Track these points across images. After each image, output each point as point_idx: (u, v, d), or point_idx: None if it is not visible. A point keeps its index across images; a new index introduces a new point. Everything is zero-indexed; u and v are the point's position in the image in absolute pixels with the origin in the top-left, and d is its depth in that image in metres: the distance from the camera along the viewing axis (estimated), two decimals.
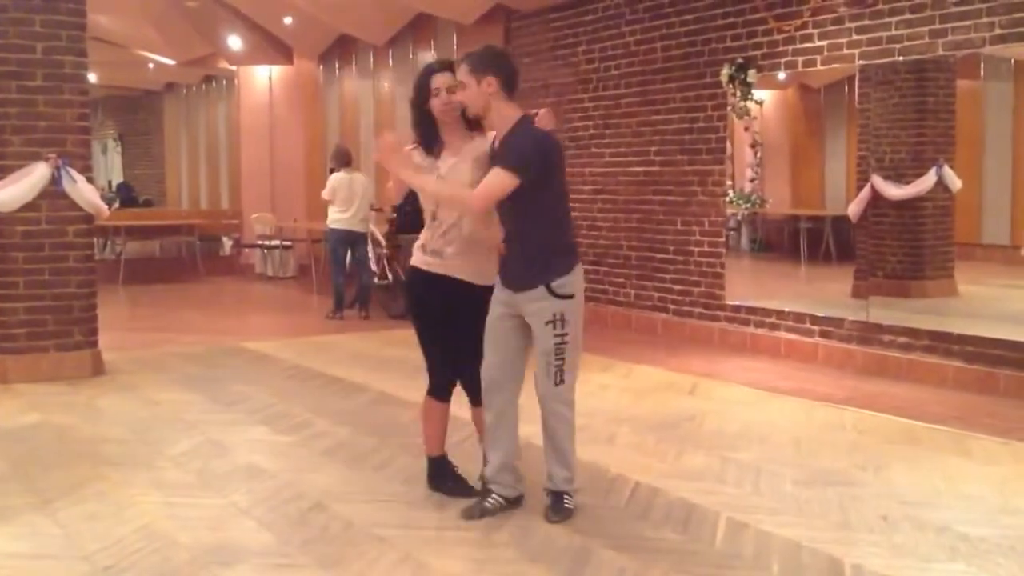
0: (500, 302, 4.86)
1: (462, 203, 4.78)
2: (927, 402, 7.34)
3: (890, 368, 8.24)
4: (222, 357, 9.20)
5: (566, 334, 4.74)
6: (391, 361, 8.70)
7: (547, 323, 4.73)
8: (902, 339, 8.28)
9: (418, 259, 4.97)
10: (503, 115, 4.77)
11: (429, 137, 4.94)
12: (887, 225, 9.07)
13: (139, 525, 4.77)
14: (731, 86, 9.48)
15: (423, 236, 4.97)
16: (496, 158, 4.74)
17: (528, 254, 4.76)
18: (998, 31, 7.51)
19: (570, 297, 4.76)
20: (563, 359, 4.76)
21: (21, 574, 4.27)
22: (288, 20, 15.15)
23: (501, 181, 4.60)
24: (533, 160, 4.66)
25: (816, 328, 8.94)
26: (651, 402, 7.42)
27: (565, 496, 4.90)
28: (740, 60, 9.38)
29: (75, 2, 8.08)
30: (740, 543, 4.56)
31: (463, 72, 4.73)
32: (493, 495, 4.93)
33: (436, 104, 4.87)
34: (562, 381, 4.79)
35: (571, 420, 4.88)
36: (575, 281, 4.80)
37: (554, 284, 4.73)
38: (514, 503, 4.97)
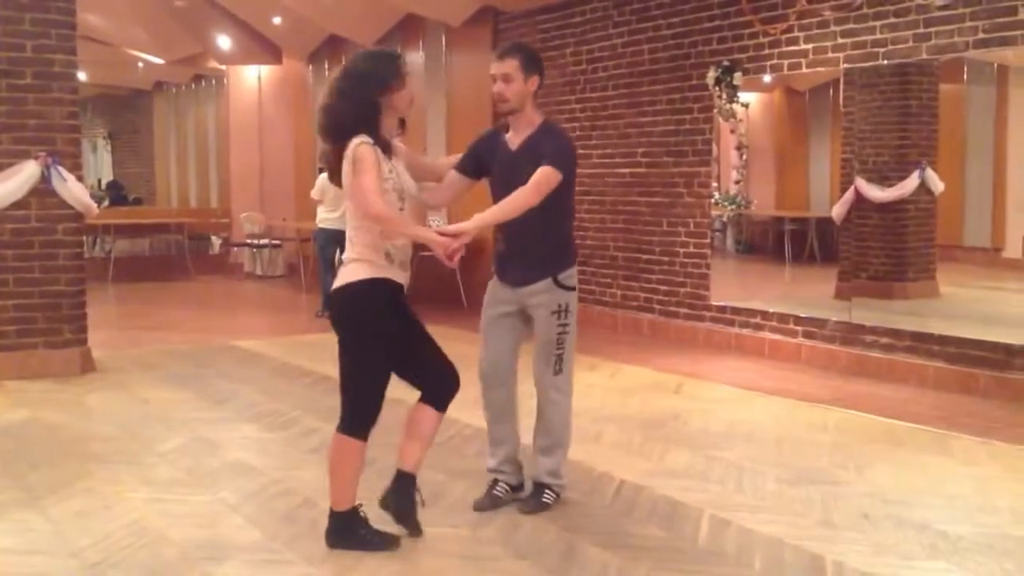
0: (499, 301, 4.95)
1: (524, 205, 4.66)
2: (909, 402, 7.40)
3: (872, 368, 8.30)
4: (211, 355, 9.22)
5: (567, 324, 4.88)
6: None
7: (552, 313, 4.84)
8: (884, 340, 8.34)
9: (383, 271, 4.42)
10: (530, 117, 4.86)
11: (377, 134, 4.43)
12: (870, 227, 9.14)
13: (128, 521, 4.80)
14: (717, 89, 9.52)
15: (381, 246, 4.39)
16: (536, 156, 4.73)
17: (539, 248, 4.86)
18: (981, 35, 7.58)
19: (573, 288, 4.91)
20: (563, 348, 4.88)
21: (11, 570, 4.29)
22: (277, 20, 15.16)
23: (551, 178, 4.68)
24: (572, 159, 4.86)
25: (800, 329, 9.01)
26: (637, 401, 7.47)
27: (547, 490, 4.97)
28: (726, 63, 9.43)
29: (65, 1, 8.10)
30: (723, 540, 4.61)
31: (512, 66, 4.78)
32: (499, 484, 5.04)
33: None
34: (560, 370, 4.91)
35: (568, 408, 5.00)
36: (576, 273, 4.99)
37: (561, 276, 4.86)
38: (518, 490, 5.08)
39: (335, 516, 4.49)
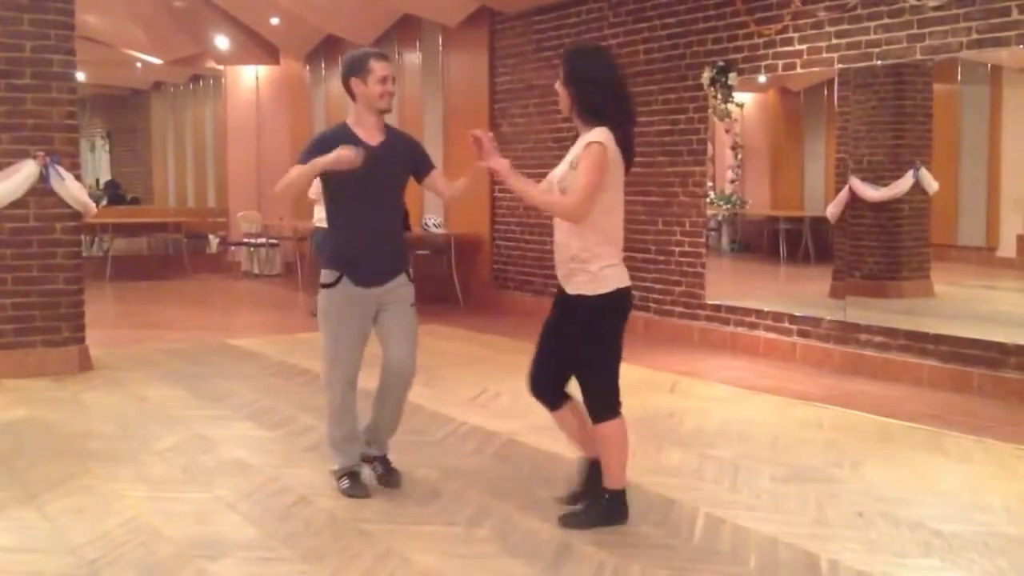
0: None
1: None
2: (903, 400, 7.42)
3: (867, 367, 8.33)
4: (208, 354, 9.24)
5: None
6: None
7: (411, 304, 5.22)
8: (879, 339, 8.37)
9: (623, 277, 4.71)
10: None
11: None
12: (865, 226, 9.17)
13: (125, 519, 4.81)
14: (712, 89, 9.54)
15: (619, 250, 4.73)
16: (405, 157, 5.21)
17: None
18: (975, 36, 7.60)
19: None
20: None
21: (8, 567, 4.30)
22: (275, 20, 15.17)
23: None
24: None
25: (794, 327, 9.03)
26: (631, 399, 7.37)
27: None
28: (721, 63, 9.45)
29: (63, 1, 8.11)
30: (718, 538, 4.62)
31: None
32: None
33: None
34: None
35: None
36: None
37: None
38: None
39: (620, 495, 4.77)
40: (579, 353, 4.72)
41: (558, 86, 4.74)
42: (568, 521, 4.74)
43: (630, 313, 4.79)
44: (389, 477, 5.28)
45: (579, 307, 4.65)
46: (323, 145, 4.97)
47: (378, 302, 5.08)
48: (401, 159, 5.16)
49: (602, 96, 4.61)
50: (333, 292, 5.05)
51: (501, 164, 4.72)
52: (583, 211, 4.54)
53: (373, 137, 5.06)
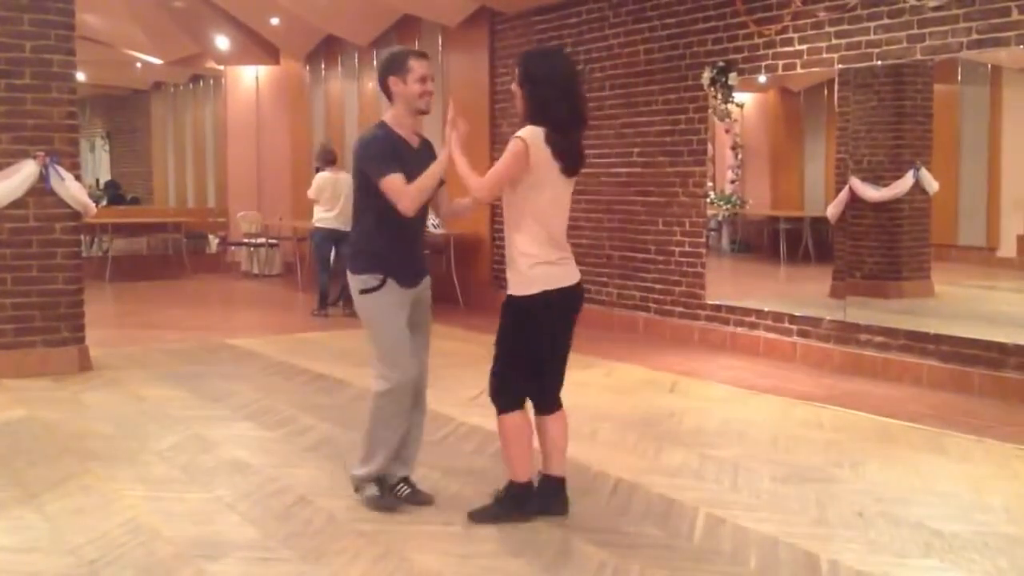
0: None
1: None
2: (903, 400, 7.42)
3: (867, 367, 8.33)
4: (208, 353, 9.25)
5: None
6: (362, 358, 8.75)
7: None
8: (879, 339, 8.37)
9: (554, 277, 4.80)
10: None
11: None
12: (865, 226, 9.17)
13: (125, 519, 4.82)
14: (712, 89, 9.55)
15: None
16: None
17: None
18: (975, 36, 7.61)
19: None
20: None
21: (8, 567, 4.30)
22: (275, 21, 15.17)
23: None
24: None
25: (794, 327, 9.03)
26: (632, 400, 7.49)
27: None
28: (721, 63, 9.46)
29: (63, 1, 8.12)
30: (718, 538, 4.62)
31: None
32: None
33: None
34: None
35: None
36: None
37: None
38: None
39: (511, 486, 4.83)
40: (507, 350, 4.82)
41: (513, 87, 4.77)
42: (475, 514, 4.83)
43: (574, 311, 4.89)
44: (417, 496, 5.08)
45: (508, 306, 4.78)
46: (393, 150, 4.87)
47: (413, 303, 5.03)
48: (430, 163, 5.10)
49: (552, 97, 4.61)
50: (380, 295, 4.89)
51: (462, 130, 4.85)
52: (484, 193, 4.73)
53: (413, 139, 4.99)
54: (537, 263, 4.68)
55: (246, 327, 11.18)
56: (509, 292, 4.75)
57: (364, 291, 4.91)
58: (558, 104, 4.60)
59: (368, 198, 4.89)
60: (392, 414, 4.94)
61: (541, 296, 4.68)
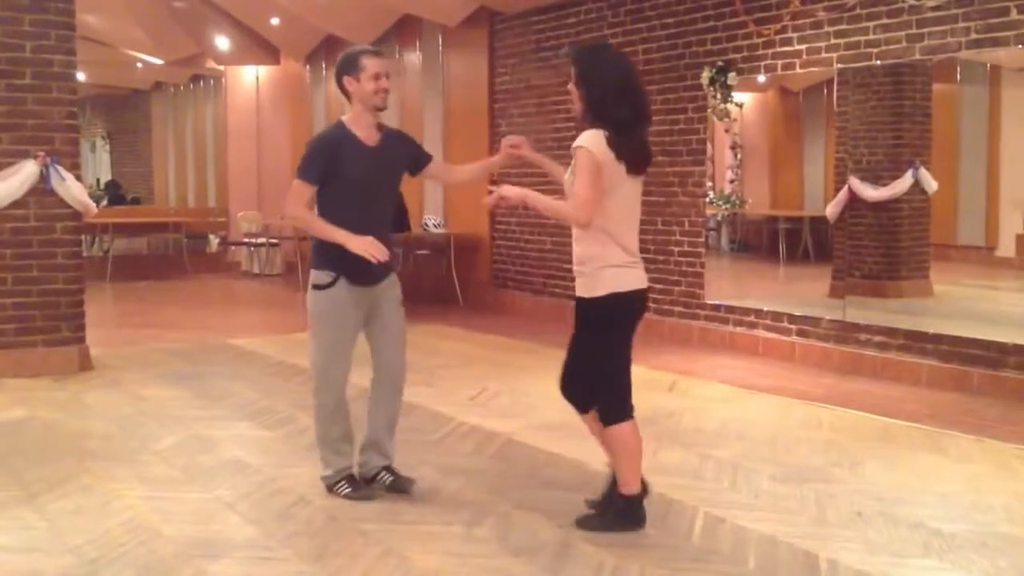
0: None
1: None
2: (902, 400, 7.42)
3: (866, 367, 8.34)
4: (208, 353, 9.25)
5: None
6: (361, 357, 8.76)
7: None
8: (878, 338, 8.38)
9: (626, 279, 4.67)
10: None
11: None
12: (864, 226, 9.17)
13: (125, 519, 4.82)
14: (711, 89, 9.54)
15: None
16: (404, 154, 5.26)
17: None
18: (974, 36, 7.61)
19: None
20: None
21: (8, 567, 4.31)
22: (275, 21, 15.17)
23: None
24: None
25: (794, 327, 9.04)
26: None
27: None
28: (720, 63, 9.45)
29: (64, 2, 8.13)
30: (717, 538, 4.62)
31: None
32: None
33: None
34: None
35: None
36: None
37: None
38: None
39: (633, 500, 4.70)
40: (583, 355, 4.72)
41: (570, 87, 4.67)
42: (583, 523, 4.72)
43: (639, 316, 4.77)
44: (399, 483, 5.16)
45: (579, 309, 4.67)
46: (325, 151, 4.93)
47: (372, 302, 5.04)
48: (398, 157, 5.14)
49: (612, 98, 4.49)
50: (329, 293, 4.94)
51: (513, 192, 4.71)
52: (583, 215, 4.49)
53: (371, 137, 5.00)
54: (608, 266, 4.57)
55: (246, 327, 11.18)
56: (579, 295, 4.65)
57: (315, 287, 4.98)
58: (618, 104, 4.48)
59: (322, 196, 4.98)
60: (330, 411, 5.10)
61: (612, 297, 4.59)
